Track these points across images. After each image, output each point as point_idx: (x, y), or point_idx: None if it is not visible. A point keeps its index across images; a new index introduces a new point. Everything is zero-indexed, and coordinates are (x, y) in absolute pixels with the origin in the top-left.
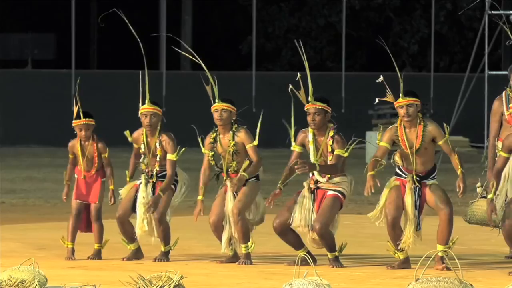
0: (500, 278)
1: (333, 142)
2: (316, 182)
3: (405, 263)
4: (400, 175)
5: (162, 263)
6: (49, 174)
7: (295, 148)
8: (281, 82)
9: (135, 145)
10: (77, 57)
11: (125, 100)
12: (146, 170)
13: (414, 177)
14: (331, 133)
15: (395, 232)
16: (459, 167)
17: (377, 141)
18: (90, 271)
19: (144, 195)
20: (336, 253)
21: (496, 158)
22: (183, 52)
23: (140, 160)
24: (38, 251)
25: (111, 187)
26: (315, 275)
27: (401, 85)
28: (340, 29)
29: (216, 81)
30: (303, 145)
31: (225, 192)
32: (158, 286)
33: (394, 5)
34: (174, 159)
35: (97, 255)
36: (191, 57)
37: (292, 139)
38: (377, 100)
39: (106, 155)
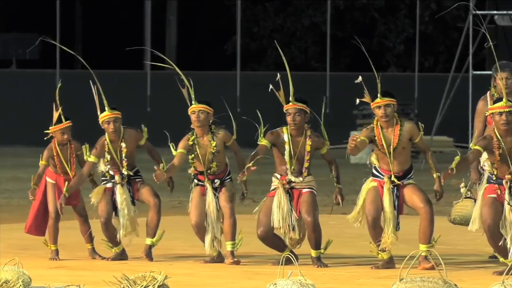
0: (484, 278)
1: (311, 142)
2: (289, 182)
3: (389, 263)
4: (377, 176)
5: (146, 263)
6: (33, 174)
7: (263, 141)
8: (266, 82)
9: (93, 160)
10: (61, 57)
11: (110, 100)
12: (114, 172)
13: (392, 177)
14: (309, 133)
15: (376, 232)
16: (434, 171)
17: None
18: (74, 271)
19: (125, 196)
20: (322, 251)
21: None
22: (164, 57)
23: (107, 169)
24: (22, 251)
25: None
26: (299, 275)
27: (379, 85)
28: (325, 29)
29: (192, 83)
30: (273, 144)
31: (202, 193)
32: (142, 286)
33: (379, 5)
34: (143, 142)
35: (93, 253)
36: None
37: (262, 135)
38: (357, 101)
39: (81, 152)
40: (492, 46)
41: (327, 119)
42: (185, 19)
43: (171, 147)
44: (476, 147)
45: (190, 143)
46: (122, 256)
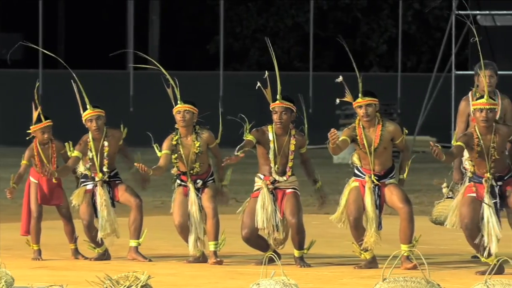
0: (467, 278)
1: (296, 141)
2: (273, 182)
3: (372, 263)
4: (359, 176)
5: (129, 263)
6: (15, 173)
7: (248, 136)
8: (248, 82)
9: (77, 154)
10: (44, 57)
11: (93, 100)
12: (94, 174)
13: (373, 177)
14: (293, 132)
15: (358, 232)
16: (405, 173)
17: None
18: (57, 271)
19: (105, 198)
20: (305, 251)
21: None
22: (148, 57)
23: (87, 167)
24: (5, 251)
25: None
26: (282, 275)
27: (360, 85)
28: (308, 29)
29: (177, 83)
30: (258, 142)
31: (185, 194)
32: (125, 286)
33: (362, 5)
34: (121, 142)
35: (76, 254)
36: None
37: (247, 131)
38: (338, 101)
39: (64, 151)
40: (478, 42)
41: (309, 119)
42: (167, 19)
43: (155, 148)
44: (458, 143)
45: (174, 142)
46: (105, 256)
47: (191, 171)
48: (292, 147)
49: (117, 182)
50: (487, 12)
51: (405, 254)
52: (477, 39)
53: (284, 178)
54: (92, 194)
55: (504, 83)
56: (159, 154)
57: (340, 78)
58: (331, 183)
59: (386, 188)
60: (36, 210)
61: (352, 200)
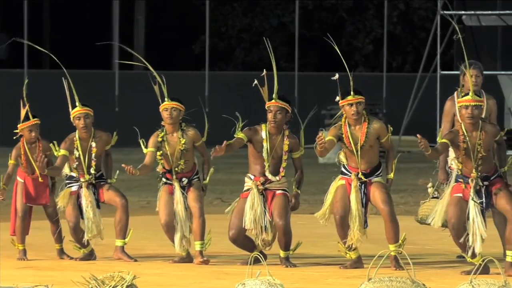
0: (452, 278)
1: (289, 142)
2: (264, 183)
3: (358, 263)
4: (345, 174)
5: (114, 263)
6: (2, 174)
7: (240, 134)
8: (234, 82)
9: (64, 153)
10: (29, 57)
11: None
12: (80, 175)
13: (359, 174)
14: (287, 133)
15: (344, 230)
16: (391, 173)
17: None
18: (42, 271)
19: (90, 199)
20: (290, 252)
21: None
22: (134, 53)
23: (74, 166)
24: None
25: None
26: (268, 275)
27: (351, 83)
28: (293, 29)
29: (164, 80)
30: (249, 140)
31: (170, 192)
32: (110, 286)
33: (347, 5)
34: (109, 147)
35: (61, 254)
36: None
37: (239, 130)
38: (336, 75)
39: (50, 152)
40: (461, 40)
41: (294, 119)
42: (153, 19)
43: (141, 143)
44: (443, 140)
45: (159, 139)
46: (90, 256)
47: (176, 169)
48: (285, 148)
49: (102, 183)
50: (472, 12)
51: (392, 254)
52: (460, 36)
53: (277, 178)
54: (77, 195)
55: (489, 83)
56: (144, 150)
57: (336, 76)
58: (317, 183)
59: (371, 186)
60: (21, 209)
61: (338, 198)
